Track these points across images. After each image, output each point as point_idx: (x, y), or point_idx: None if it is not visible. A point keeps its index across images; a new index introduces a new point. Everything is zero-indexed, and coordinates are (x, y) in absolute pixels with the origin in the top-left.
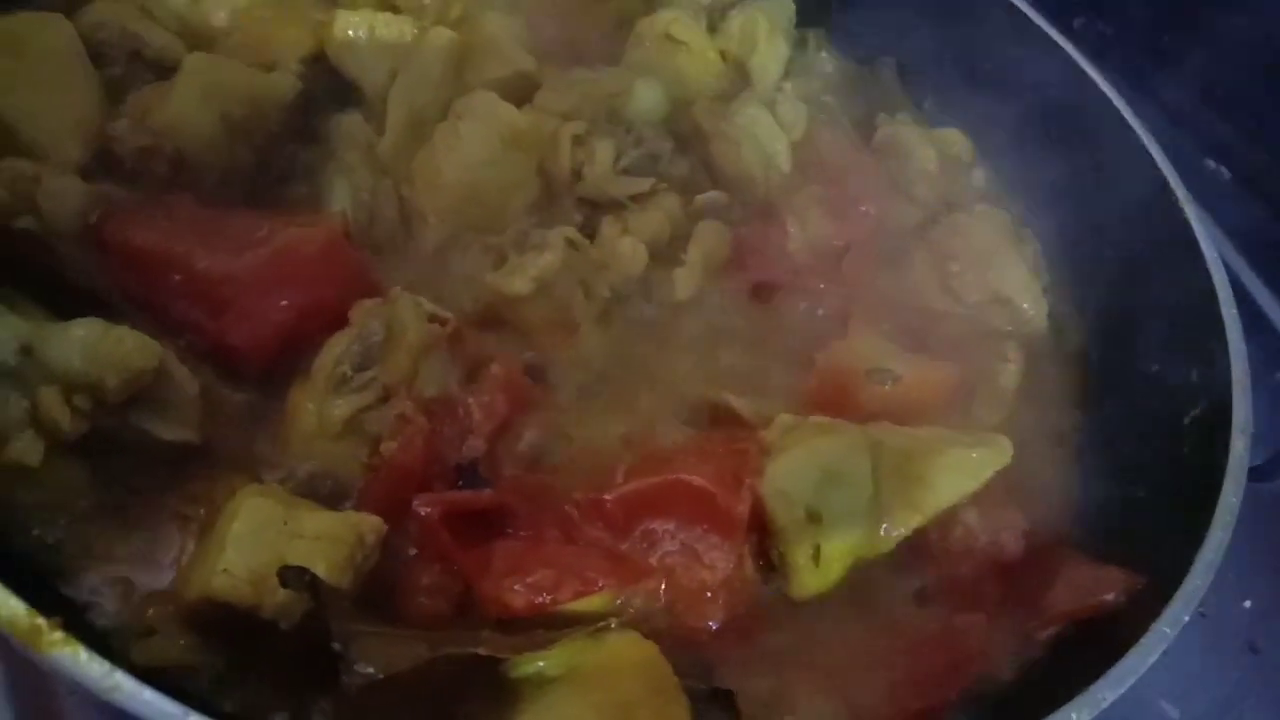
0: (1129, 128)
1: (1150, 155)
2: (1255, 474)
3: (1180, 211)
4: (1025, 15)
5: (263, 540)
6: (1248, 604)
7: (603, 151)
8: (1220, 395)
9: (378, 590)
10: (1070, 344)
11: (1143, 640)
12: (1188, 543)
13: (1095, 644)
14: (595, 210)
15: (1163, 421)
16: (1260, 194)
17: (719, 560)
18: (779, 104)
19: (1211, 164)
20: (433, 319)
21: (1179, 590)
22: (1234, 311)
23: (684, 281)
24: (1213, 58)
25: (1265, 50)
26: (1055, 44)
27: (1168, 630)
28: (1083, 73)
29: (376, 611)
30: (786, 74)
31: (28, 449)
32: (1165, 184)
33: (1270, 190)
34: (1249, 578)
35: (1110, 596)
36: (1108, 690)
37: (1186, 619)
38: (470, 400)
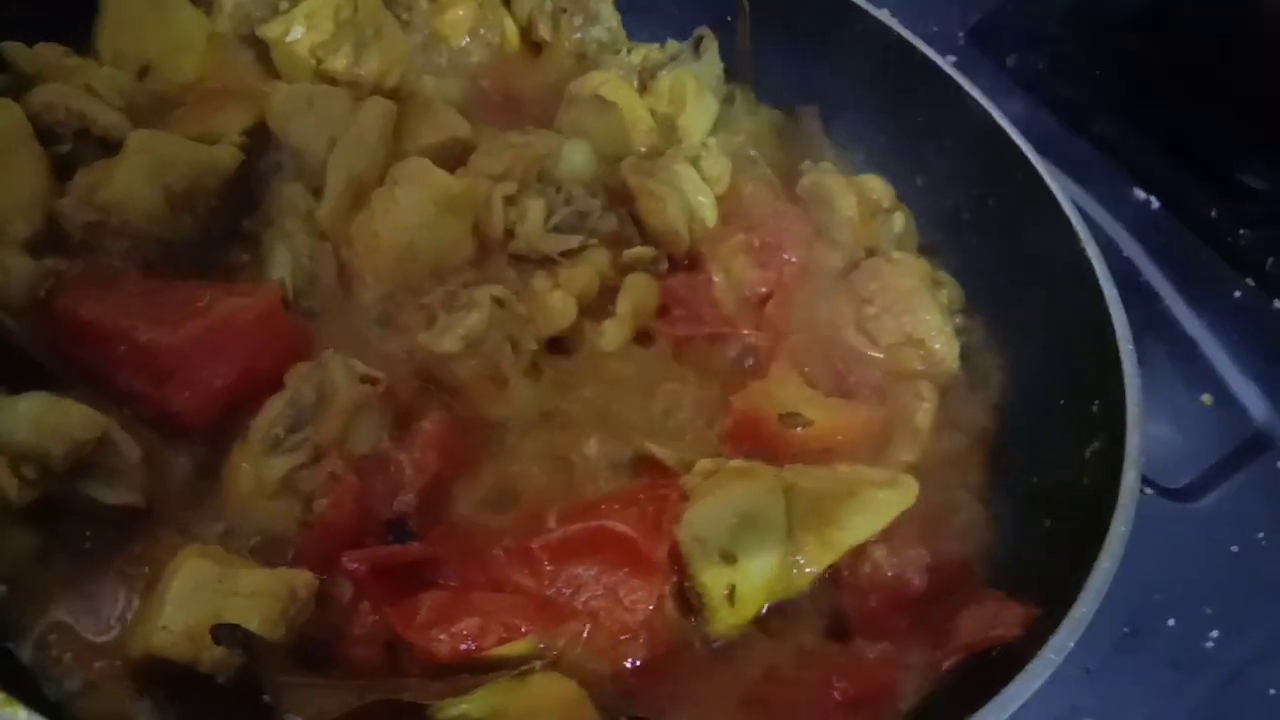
0: (1038, 175)
1: (1056, 199)
2: (1180, 495)
3: (1082, 251)
4: (940, 68)
5: (200, 598)
6: (1171, 622)
7: (534, 210)
8: (1117, 428)
9: (314, 641)
10: (983, 382)
11: (1028, 667)
12: (1081, 572)
13: (992, 672)
14: (528, 266)
15: (1066, 454)
16: (1187, 220)
17: (639, 602)
18: (703, 159)
19: (1141, 193)
20: (364, 379)
21: (1065, 619)
22: (1130, 347)
23: (613, 333)
24: (1138, 88)
25: (1190, 80)
26: (967, 93)
27: (1054, 657)
28: (991, 119)
29: (312, 662)
30: (713, 130)
31: None
32: (1069, 226)
33: (1196, 216)
34: (1173, 597)
35: (1009, 630)
36: (993, 715)
37: (1072, 645)
38: (402, 457)
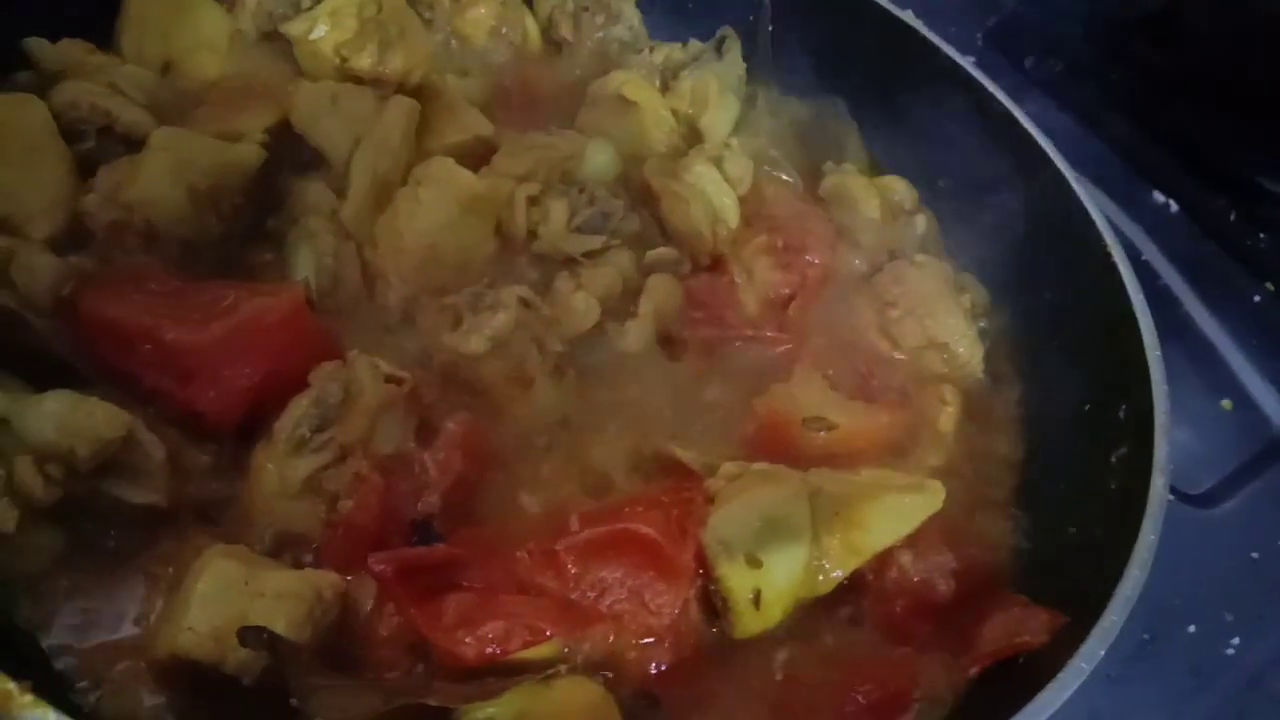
0: (1063, 178)
1: (1081, 202)
2: (1199, 501)
3: (1109, 258)
4: (965, 70)
5: (226, 599)
6: (1191, 629)
7: (557, 211)
8: (1145, 434)
9: (340, 642)
10: (1007, 386)
11: (1059, 675)
12: (1110, 580)
13: (1021, 678)
14: (550, 267)
15: (1093, 460)
16: (1205, 224)
17: (665, 606)
18: (726, 160)
19: (1159, 196)
20: (390, 379)
21: (1095, 627)
22: (1158, 354)
23: (636, 334)
24: (1155, 92)
25: (1207, 84)
26: (992, 95)
27: (1084, 665)
28: (1016, 121)
29: (339, 663)
30: (735, 130)
31: (3, 516)
32: (1095, 231)
33: (1214, 220)
34: (1193, 603)
35: (1035, 638)
36: None
37: (1103, 653)
38: (426, 457)
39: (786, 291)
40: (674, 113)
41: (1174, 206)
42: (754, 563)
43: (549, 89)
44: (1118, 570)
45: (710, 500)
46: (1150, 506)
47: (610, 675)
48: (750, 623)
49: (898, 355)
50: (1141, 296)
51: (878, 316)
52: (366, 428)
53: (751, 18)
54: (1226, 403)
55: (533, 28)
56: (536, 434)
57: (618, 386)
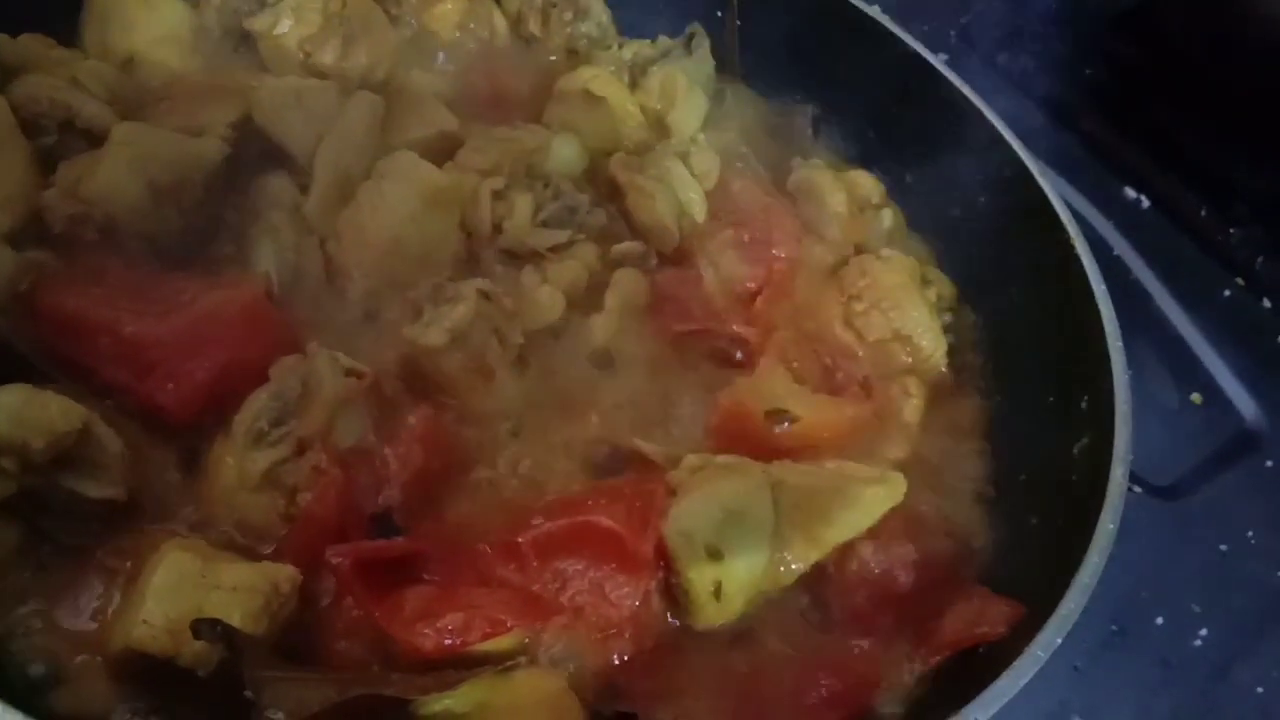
0: (1028, 173)
1: (1046, 197)
2: (1168, 493)
3: (1072, 249)
4: (932, 65)
5: (181, 592)
6: (1160, 620)
7: (522, 205)
8: (1106, 424)
9: (299, 636)
10: (971, 379)
11: (1015, 663)
12: (1069, 568)
13: (979, 669)
14: (516, 261)
15: (1055, 451)
16: (1176, 220)
17: (625, 598)
18: (693, 155)
19: (1131, 192)
20: (350, 373)
21: (1052, 615)
22: (1119, 344)
23: (601, 328)
24: (1128, 88)
25: (1179, 79)
26: (959, 90)
27: (1040, 654)
28: (983, 116)
29: (295, 656)
30: (703, 126)
31: None
32: (1059, 224)
33: (1185, 216)
34: (1162, 595)
35: (994, 628)
36: (979, 712)
37: (1059, 642)
38: (386, 451)
39: (752, 285)
40: (642, 108)
41: (1146, 202)
42: (715, 555)
43: (516, 84)
44: (1076, 559)
45: (672, 492)
46: (1110, 496)
47: (571, 667)
48: (711, 614)
49: (862, 348)
50: (1104, 288)
51: (843, 309)
52: (326, 421)
53: (720, 14)
54: (1196, 396)
55: (500, 23)
56: (498, 427)
57: (582, 380)
